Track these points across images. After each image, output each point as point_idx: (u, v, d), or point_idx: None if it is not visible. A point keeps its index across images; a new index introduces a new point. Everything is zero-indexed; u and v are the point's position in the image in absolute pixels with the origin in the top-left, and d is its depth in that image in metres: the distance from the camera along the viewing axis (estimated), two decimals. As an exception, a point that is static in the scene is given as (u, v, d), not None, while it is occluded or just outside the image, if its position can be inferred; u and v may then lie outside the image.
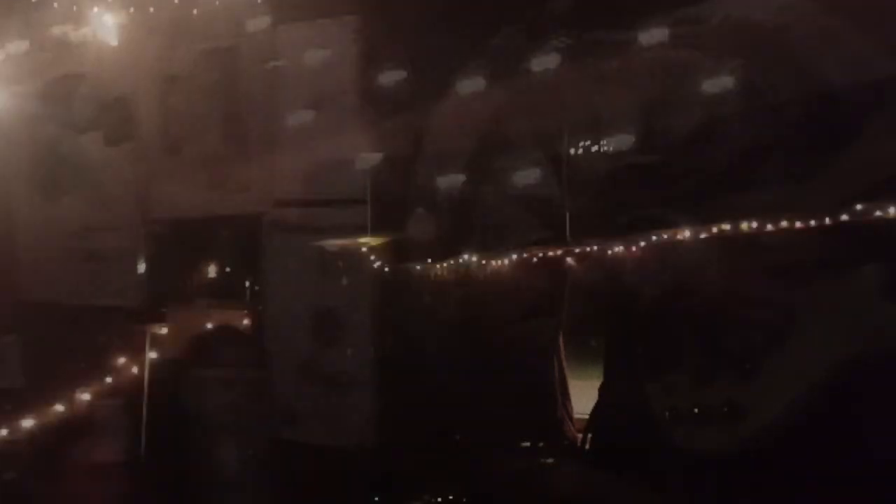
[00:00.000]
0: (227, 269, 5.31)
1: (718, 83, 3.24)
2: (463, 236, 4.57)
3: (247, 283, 5.21)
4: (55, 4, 2.30)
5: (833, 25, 2.82)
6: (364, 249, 4.77)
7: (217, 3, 2.34)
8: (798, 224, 3.71)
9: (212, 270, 5.28)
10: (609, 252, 4.17)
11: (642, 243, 4.13)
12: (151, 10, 2.34)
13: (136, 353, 4.90)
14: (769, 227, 3.78)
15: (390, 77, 3.26)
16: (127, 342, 4.90)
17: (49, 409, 4.53)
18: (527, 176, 4.01)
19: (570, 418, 3.64)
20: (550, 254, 4.47)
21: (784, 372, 2.88)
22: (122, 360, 4.86)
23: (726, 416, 2.88)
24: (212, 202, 4.60)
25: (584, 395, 3.70)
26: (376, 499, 3.38)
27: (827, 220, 3.62)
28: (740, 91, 3.28)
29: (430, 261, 4.99)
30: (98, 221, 4.57)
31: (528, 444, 2.44)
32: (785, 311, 3.01)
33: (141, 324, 4.94)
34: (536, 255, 4.57)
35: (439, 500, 3.05)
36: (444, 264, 4.92)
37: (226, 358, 3.29)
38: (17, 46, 2.44)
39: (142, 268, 5.06)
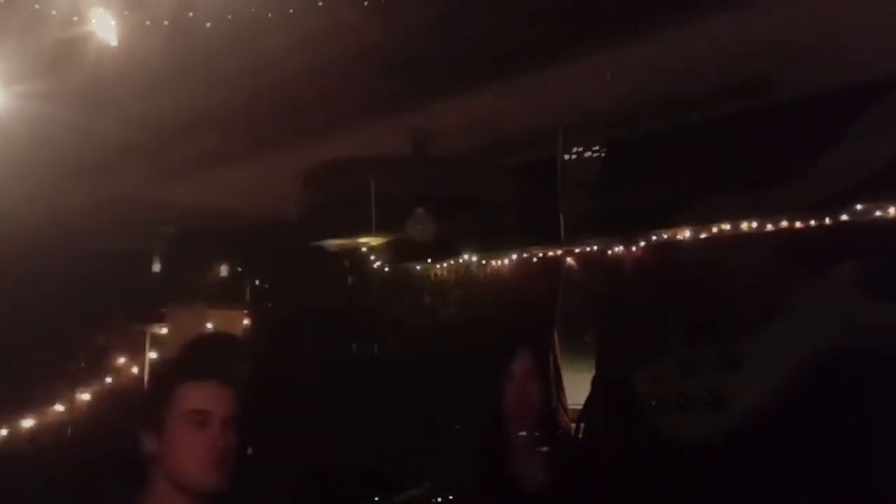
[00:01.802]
0: (230, 270, 5.33)
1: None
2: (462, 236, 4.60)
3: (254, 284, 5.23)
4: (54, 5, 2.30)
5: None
6: (364, 249, 4.79)
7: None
8: (796, 224, 3.80)
9: (215, 272, 5.29)
10: (604, 251, 4.32)
11: (641, 243, 4.26)
12: (166, 21, 2.33)
13: (136, 353, 4.92)
14: (768, 226, 3.87)
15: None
16: (127, 342, 4.91)
17: (49, 408, 4.54)
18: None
19: (565, 408, 3.76)
20: (550, 254, 4.55)
21: (764, 364, 3.02)
22: (121, 360, 4.88)
23: (708, 404, 3.01)
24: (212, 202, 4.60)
25: (577, 387, 3.85)
26: (376, 499, 3.39)
27: (826, 221, 3.70)
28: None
29: (429, 261, 5.02)
30: (100, 221, 4.57)
31: (524, 433, 2.48)
32: (767, 305, 3.15)
33: (141, 324, 4.95)
34: (535, 255, 4.64)
35: (439, 499, 3.06)
36: (444, 264, 4.95)
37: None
38: (18, 46, 2.44)
39: (143, 268, 5.07)
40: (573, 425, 3.59)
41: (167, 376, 1.85)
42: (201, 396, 1.76)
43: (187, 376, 1.81)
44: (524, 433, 2.44)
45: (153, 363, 4.85)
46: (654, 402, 3.12)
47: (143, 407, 1.83)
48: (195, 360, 2.17)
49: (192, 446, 1.73)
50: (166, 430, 1.75)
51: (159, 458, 1.75)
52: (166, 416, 1.75)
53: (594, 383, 3.63)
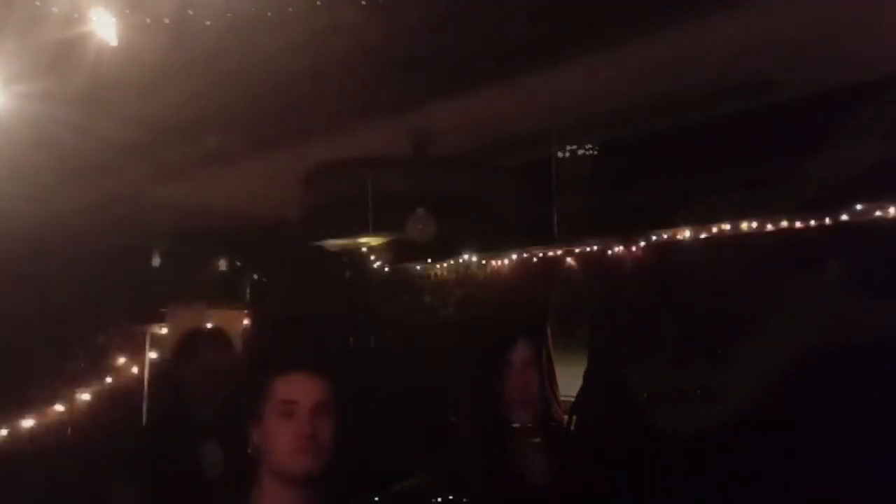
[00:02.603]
0: (230, 270, 5.33)
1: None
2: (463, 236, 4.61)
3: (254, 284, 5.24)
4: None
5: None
6: (364, 249, 4.80)
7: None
8: (796, 224, 3.83)
9: (215, 272, 5.30)
10: (600, 251, 4.37)
11: (639, 243, 4.31)
12: (166, 20, 2.33)
13: (136, 353, 4.92)
14: (767, 226, 3.90)
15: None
16: (127, 342, 4.91)
17: (49, 409, 4.54)
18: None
19: (557, 400, 3.85)
20: (546, 253, 4.59)
21: (753, 359, 3.08)
22: (121, 360, 4.88)
23: (699, 398, 3.09)
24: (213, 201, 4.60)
25: (569, 380, 3.93)
26: (376, 499, 3.39)
27: (825, 221, 3.73)
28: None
29: (429, 261, 5.03)
30: (100, 221, 4.57)
31: (517, 424, 2.52)
32: (756, 302, 3.22)
33: (141, 324, 4.96)
34: (533, 254, 4.67)
35: (439, 499, 3.05)
36: (444, 264, 4.96)
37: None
38: (18, 46, 2.43)
39: (143, 268, 5.07)
40: (566, 417, 3.66)
41: (264, 372, 2.00)
42: (289, 388, 1.90)
43: (279, 370, 1.95)
44: (518, 424, 2.46)
45: (152, 362, 4.86)
46: (645, 395, 3.18)
47: (249, 403, 1.96)
48: (285, 354, 2.26)
49: (282, 435, 1.86)
50: (264, 423, 1.89)
51: (261, 450, 1.90)
52: (264, 409, 1.90)
53: (586, 376, 3.71)
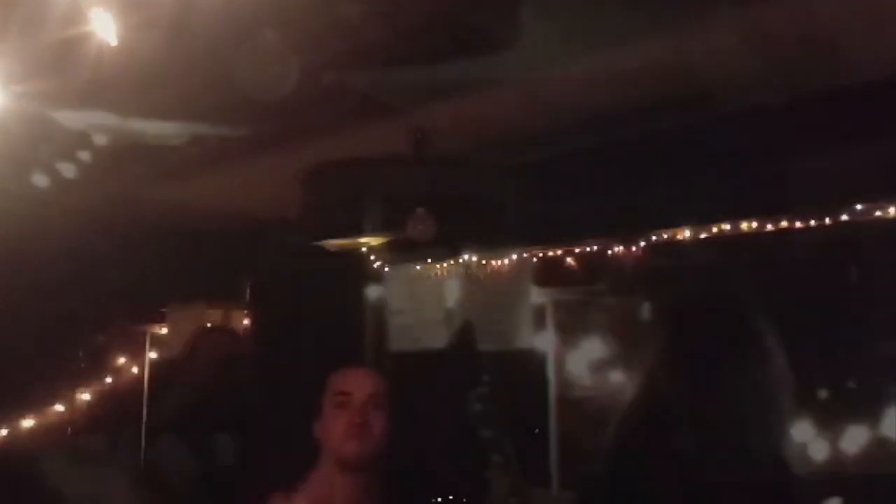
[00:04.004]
0: (229, 271, 5.33)
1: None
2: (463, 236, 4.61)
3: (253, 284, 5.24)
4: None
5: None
6: (364, 249, 4.80)
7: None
8: (798, 224, 3.82)
9: (215, 272, 5.29)
10: (606, 251, 4.36)
11: (642, 243, 4.29)
12: (166, 20, 2.34)
13: (136, 353, 4.92)
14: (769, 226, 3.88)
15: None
16: (127, 342, 4.91)
17: (49, 409, 4.54)
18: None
19: None
20: (550, 254, 4.57)
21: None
22: (122, 360, 4.88)
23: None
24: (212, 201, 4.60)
25: None
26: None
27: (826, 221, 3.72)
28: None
29: (429, 261, 5.03)
30: (100, 221, 4.57)
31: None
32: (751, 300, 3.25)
33: (141, 324, 4.96)
34: (536, 255, 4.65)
35: (439, 500, 3.07)
36: (444, 264, 4.96)
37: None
38: (18, 46, 2.43)
39: (143, 268, 5.06)
40: None
41: (324, 369, 2.15)
42: (345, 380, 2.07)
43: (338, 366, 2.12)
44: None
45: (152, 362, 4.86)
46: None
47: (310, 400, 2.10)
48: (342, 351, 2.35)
49: (337, 424, 2.00)
50: (324, 414, 2.05)
51: (322, 440, 2.04)
52: (324, 402, 2.06)
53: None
